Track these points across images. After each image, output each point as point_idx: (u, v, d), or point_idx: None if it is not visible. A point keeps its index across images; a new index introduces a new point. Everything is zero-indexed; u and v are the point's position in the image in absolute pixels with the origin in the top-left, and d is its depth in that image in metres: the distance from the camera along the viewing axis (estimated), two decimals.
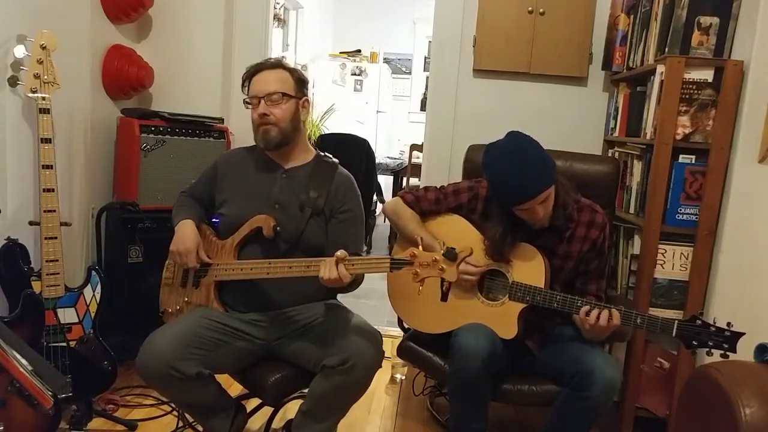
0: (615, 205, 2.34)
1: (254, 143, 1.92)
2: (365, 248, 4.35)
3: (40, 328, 1.88)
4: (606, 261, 1.95)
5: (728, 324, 1.61)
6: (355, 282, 1.68)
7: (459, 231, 1.94)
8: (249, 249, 1.79)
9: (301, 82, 1.81)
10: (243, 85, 1.83)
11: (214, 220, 1.90)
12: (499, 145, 1.78)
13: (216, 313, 1.77)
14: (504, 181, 1.75)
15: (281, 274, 1.67)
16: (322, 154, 1.90)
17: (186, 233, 1.79)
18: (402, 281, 1.90)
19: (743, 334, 1.59)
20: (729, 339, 1.59)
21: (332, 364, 1.63)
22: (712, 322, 1.62)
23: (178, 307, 1.84)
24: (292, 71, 1.81)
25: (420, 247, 1.54)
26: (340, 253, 1.57)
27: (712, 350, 1.61)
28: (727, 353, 1.59)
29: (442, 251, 1.50)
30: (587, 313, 1.70)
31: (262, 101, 1.75)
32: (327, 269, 1.56)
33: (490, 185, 1.85)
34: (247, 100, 1.79)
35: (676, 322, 1.65)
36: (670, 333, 1.65)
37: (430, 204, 1.99)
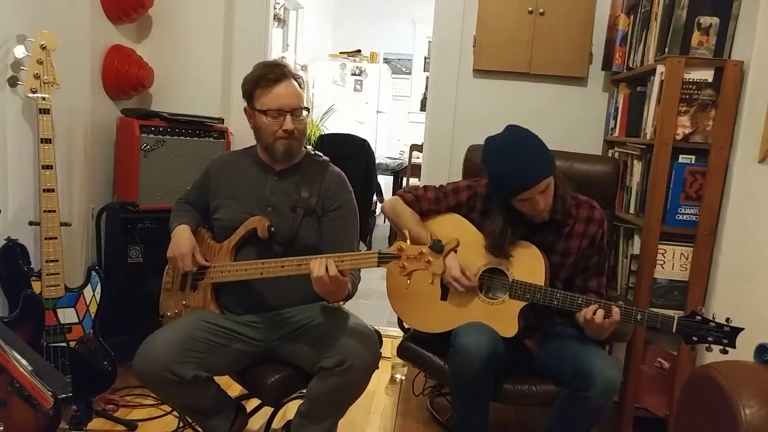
0: (615, 205, 2.34)
1: (249, 145, 1.91)
2: (363, 247, 4.35)
3: (40, 328, 1.88)
4: (605, 257, 1.95)
5: (727, 320, 1.62)
6: (346, 290, 1.67)
7: (458, 230, 1.94)
8: (245, 251, 1.79)
9: (303, 89, 1.81)
10: (253, 91, 1.74)
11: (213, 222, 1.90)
12: (498, 138, 1.79)
13: (213, 316, 1.77)
14: (505, 172, 1.75)
15: (274, 274, 1.67)
16: (313, 152, 1.89)
17: (181, 238, 1.80)
18: (401, 281, 1.90)
19: (742, 329, 1.59)
20: (728, 334, 1.60)
21: (328, 366, 1.63)
22: (711, 318, 1.63)
23: (176, 311, 1.84)
24: (299, 80, 1.78)
25: (408, 241, 1.54)
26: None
27: (712, 346, 1.62)
28: (727, 348, 1.60)
29: (429, 244, 1.51)
30: (588, 312, 1.70)
31: (289, 116, 1.72)
32: (317, 267, 1.56)
33: (491, 178, 1.85)
34: (270, 111, 1.71)
35: (676, 317, 1.65)
36: (669, 329, 1.66)
37: (429, 203, 1.99)
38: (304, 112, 1.77)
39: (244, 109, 1.81)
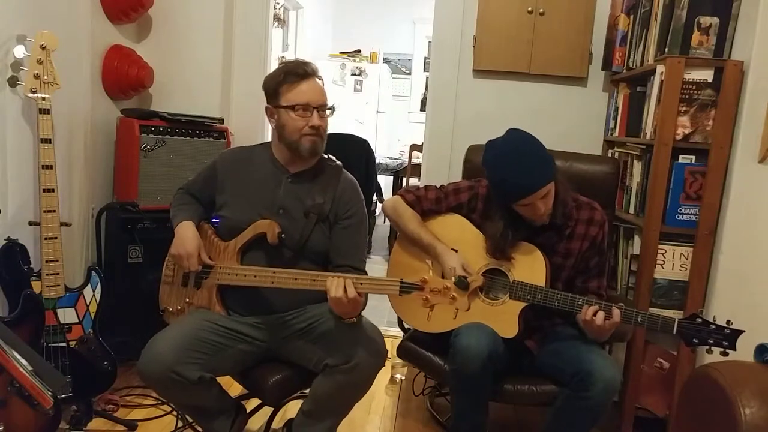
0: (615, 205, 2.34)
1: (255, 143, 1.91)
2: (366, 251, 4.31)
3: (40, 329, 1.88)
4: (606, 258, 1.95)
5: (728, 322, 1.62)
6: (360, 308, 1.66)
7: (459, 230, 1.94)
8: (252, 254, 1.77)
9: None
10: (279, 87, 1.72)
11: (214, 220, 1.89)
12: (499, 141, 1.79)
13: (217, 316, 1.75)
14: (505, 178, 1.75)
15: (286, 285, 1.65)
16: (326, 156, 1.88)
17: (186, 236, 1.76)
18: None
19: (743, 331, 1.60)
20: (729, 337, 1.60)
21: (335, 363, 1.62)
22: (712, 320, 1.63)
23: (179, 307, 1.82)
24: (322, 80, 1.78)
25: (431, 272, 1.53)
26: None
27: (712, 348, 1.62)
28: (727, 351, 1.60)
29: (454, 280, 1.50)
30: (588, 313, 1.70)
31: (316, 112, 1.71)
32: (335, 287, 1.55)
33: (491, 182, 1.85)
34: (297, 105, 1.70)
35: (677, 320, 1.66)
36: (670, 331, 1.66)
37: (430, 203, 1.99)
38: (329, 111, 1.76)
39: (266, 109, 1.78)
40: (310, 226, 1.75)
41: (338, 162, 1.88)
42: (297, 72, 1.72)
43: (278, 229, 1.71)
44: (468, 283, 1.50)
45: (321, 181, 1.81)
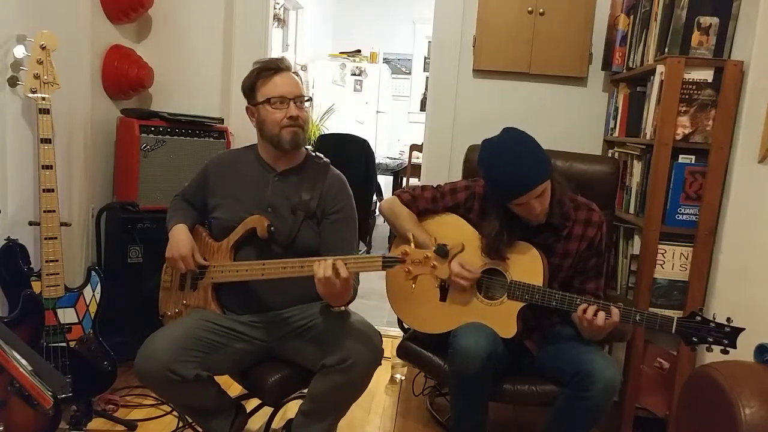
0: (615, 205, 2.34)
1: (250, 144, 1.91)
2: (361, 249, 4.33)
3: (40, 329, 1.88)
4: (604, 260, 1.95)
5: (728, 320, 1.61)
6: (349, 293, 1.66)
7: (456, 230, 1.94)
8: (244, 251, 1.79)
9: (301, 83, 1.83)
10: (255, 84, 1.77)
11: (211, 221, 1.90)
12: (494, 140, 1.78)
13: (214, 315, 1.76)
14: (500, 176, 1.75)
15: (276, 275, 1.67)
16: (313, 153, 1.89)
17: (179, 238, 1.79)
18: (400, 282, 1.90)
19: (743, 329, 1.59)
20: (729, 335, 1.60)
21: (331, 363, 1.63)
22: (711, 318, 1.62)
23: (177, 310, 1.84)
24: (297, 75, 1.82)
25: (412, 245, 1.53)
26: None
27: (712, 346, 1.62)
28: (727, 349, 1.60)
29: (434, 248, 1.50)
30: (585, 311, 1.70)
31: (293, 103, 1.74)
32: (321, 268, 1.56)
33: (486, 181, 1.85)
34: (272, 98, 1.73)
35: (676, 318, 1.65)
36: (669, 330, 1.66)
37: (426, 203, 1.99)
38: (307, 102, 1.79)
39: (246, 109, 1.81)
40: (298, 223, 1.76)
41: (326, 159, 1.90)
42: (270, 67, 1.76)
43: (267, 222, 1.73)
44: (447, 250, 1.49)
45: (308, 178, 1.82)
